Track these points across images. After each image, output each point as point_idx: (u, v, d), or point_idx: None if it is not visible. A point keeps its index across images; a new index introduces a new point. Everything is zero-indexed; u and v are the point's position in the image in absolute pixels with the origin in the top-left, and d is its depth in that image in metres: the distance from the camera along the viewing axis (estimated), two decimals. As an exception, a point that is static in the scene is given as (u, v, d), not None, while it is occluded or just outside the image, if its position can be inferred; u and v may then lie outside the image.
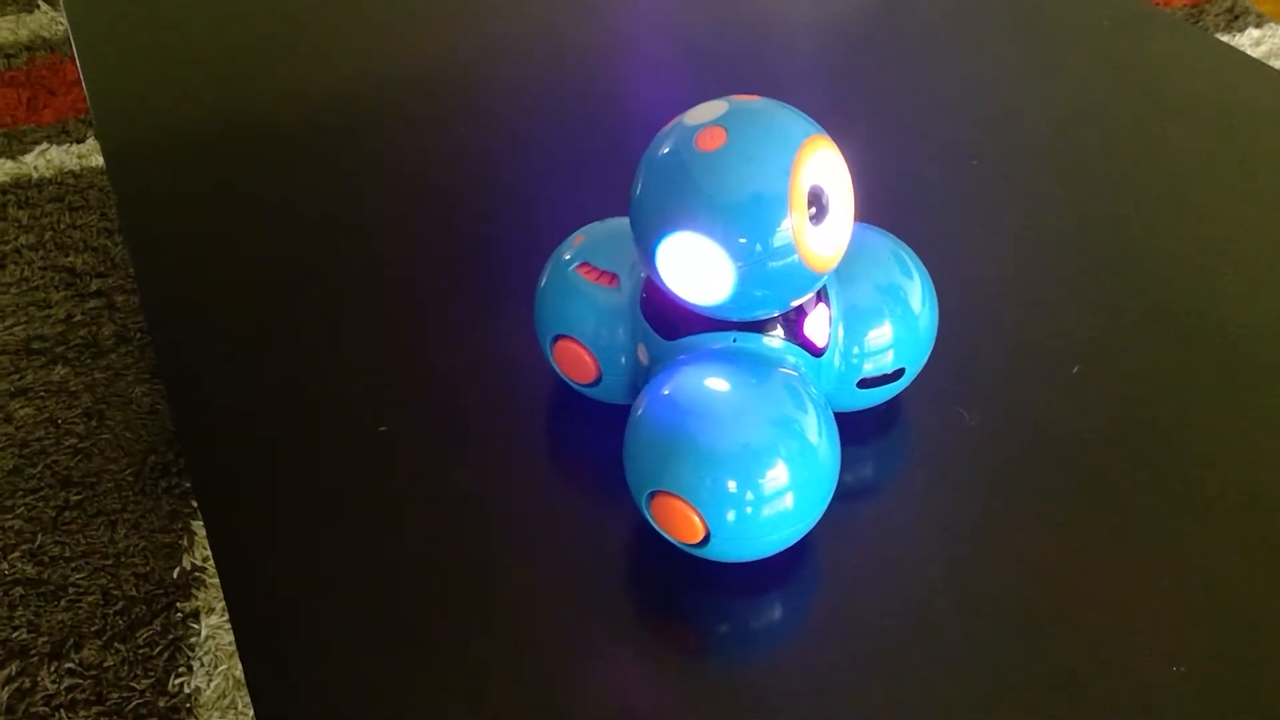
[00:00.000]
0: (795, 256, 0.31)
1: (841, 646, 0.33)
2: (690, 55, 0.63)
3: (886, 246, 0.38)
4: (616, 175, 0.48)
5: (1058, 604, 0.35)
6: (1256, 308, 0.45)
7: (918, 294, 0.37)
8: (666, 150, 0.31)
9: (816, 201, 0.31)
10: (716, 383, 0.32)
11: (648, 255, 0.32)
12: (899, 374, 0.38)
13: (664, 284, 0.32)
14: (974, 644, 0.34)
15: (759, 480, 0.31)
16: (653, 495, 0.32)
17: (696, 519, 0.31)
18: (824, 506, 0.33)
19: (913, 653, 0.33)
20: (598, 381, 0.37)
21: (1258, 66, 0.60)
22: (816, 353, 0.35)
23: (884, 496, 0.38)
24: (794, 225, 0.30)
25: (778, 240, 0.30)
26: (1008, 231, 0.50)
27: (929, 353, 0.39)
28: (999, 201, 0.51)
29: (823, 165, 0.31)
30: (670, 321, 0.34)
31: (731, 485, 0.31)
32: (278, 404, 0.42)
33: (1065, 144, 0.55)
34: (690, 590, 0.35)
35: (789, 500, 0.31)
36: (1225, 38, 1.28)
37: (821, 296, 0.35)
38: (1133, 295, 0.46)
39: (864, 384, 0.37)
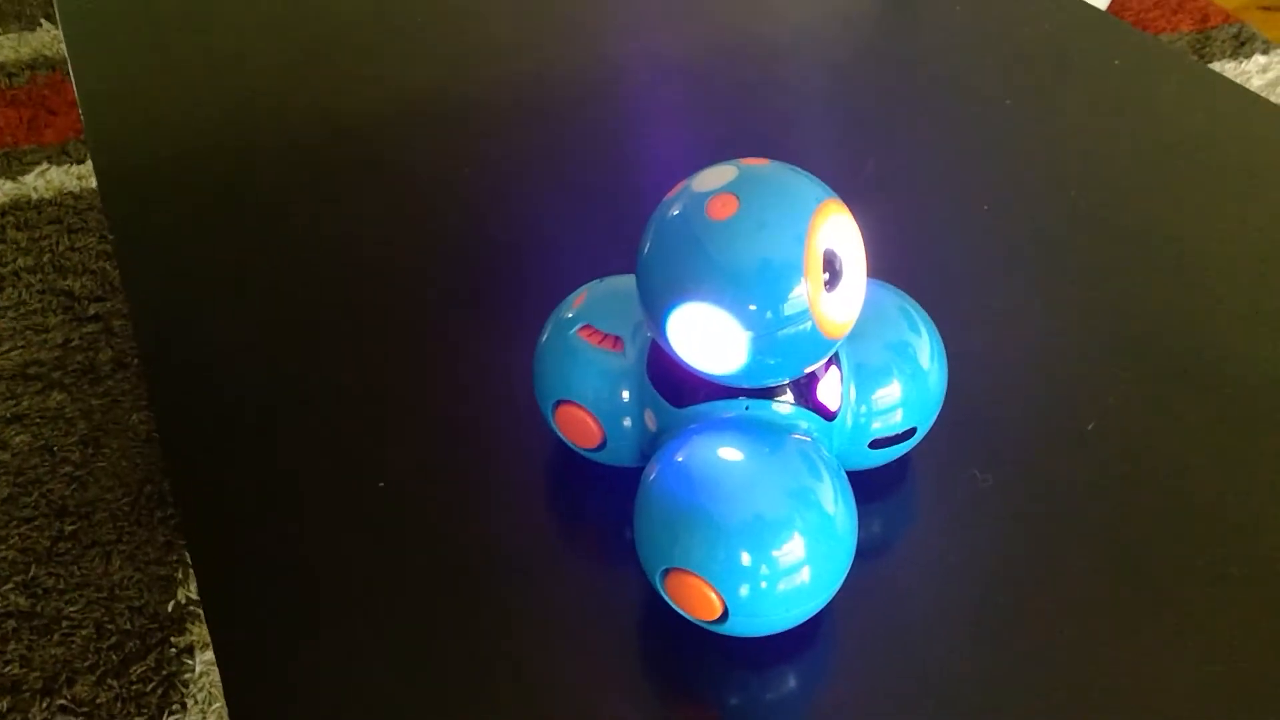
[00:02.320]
0: (809, 324, 0.30)
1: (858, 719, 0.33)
2: (695, 104, 0.62)
3: (894, 302, 0.37)
4: (620, 230, 0.48)
5: (1079, 675, 0.34)
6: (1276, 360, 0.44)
7: (926, 351, 0.37)
8: (676, 217, 0.30)
9: (830, 267, 0.30)
10: (729, 453, 0.32)
11: (658, 324, 0.31)
12: (910, 433, 0.37)
13: (675, 353, 0.31)
14: (995, 718, 0.33)
15: (775, 554, 0.30)
16: (667, 572, 0.31)
17: (714, 596, 0.30)
18: (843, 577, 0.32)
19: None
20: (602, 446, 0.36)
21: (1273, 109, 0.59)
22: (829, 417, 0.34)
23: (898, 560, 0.37)
24: (808, 292, 0.30)
25: (791, 308, 0.30)
26: (1020, 284, 0.49)
27: (938, 410, 0.38)
28: (1009, 250, 0.51)
29: (836, 230, 0.30)
30: (679, 389, 0.33)
31: (746, 559, 0.30)
32: (273, 449, 0.41)
33: (1078, 191, 0.54)
34: (702, 661, 0.34)
35: (807, 574, 0.31)
36: (1232, 64, 1.27)
37: (833, 359, 0.34)
38: (1147, 347, 0.45)
39: (875, 444, 0.36)
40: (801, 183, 0.31)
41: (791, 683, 0.34)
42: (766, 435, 0.32)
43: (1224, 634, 0.35)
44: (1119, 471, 0.40)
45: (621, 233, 0.48)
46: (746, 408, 0.33)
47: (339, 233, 0.52)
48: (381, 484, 0.40)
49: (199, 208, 0.54)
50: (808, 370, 0.32)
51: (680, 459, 0.32)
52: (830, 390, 0.34)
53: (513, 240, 0.52)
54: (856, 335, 0.35)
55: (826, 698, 0.34)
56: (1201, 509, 0.39)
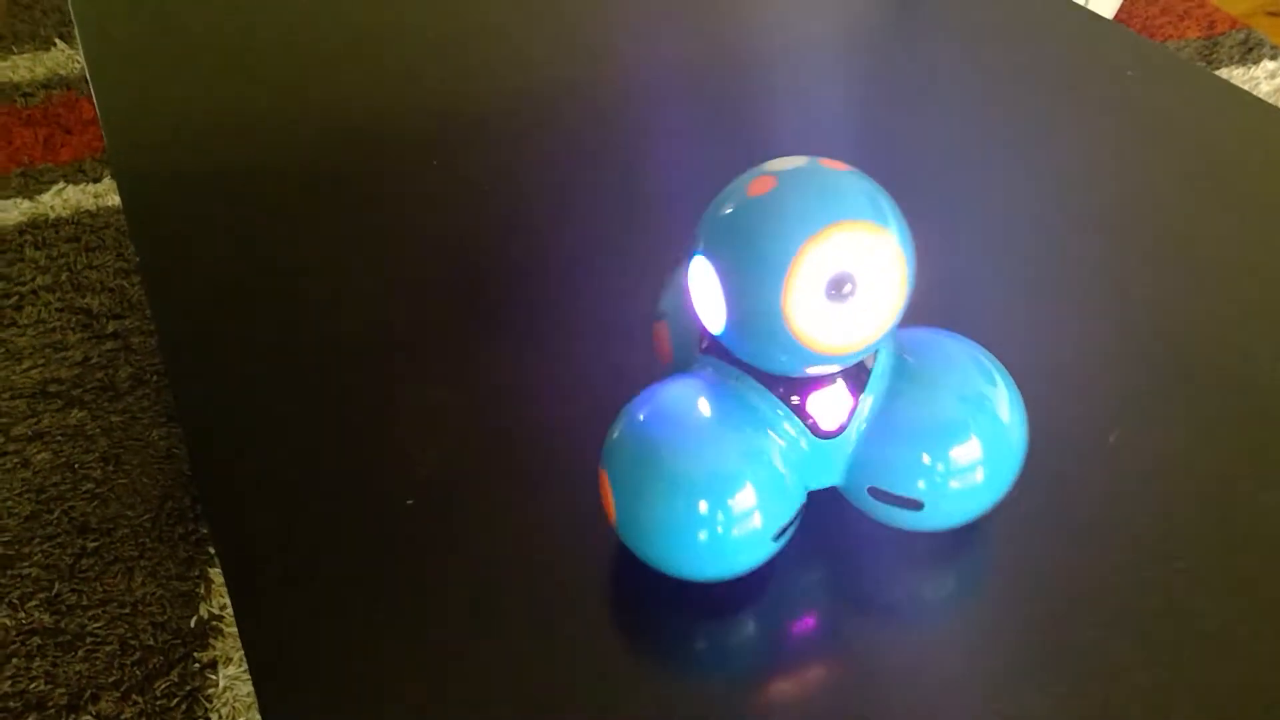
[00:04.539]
0: (782, 326, 0.31)
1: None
2: (744, 104, 0.63)
3: (970, 355, 0.36)
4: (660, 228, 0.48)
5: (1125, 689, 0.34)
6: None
7: (1007, 411, 0.35)
8: (732, 185, 0.33)
9: (837, 286, 0.31)
10: (689, 398, 0.35)
11: (685, 266, 0.34)
12: (914, 504, 0.35)
13: (689, 296, 0.35)
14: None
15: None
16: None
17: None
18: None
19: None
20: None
21: (1283, 117, 0.60)
22: (819, 433, 0.35)
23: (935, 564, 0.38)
24: (786, 296, 0.31)
25: (762, 300, 0.31)
26: (1046, 295, 0.49)
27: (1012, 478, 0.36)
28: (1023, 260, 0.51)
29: (856, 252, 0.31)
30: (701, 338, 0.37)
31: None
32: (302, 466, 0.42)
33: (1105, 207, 0.55)
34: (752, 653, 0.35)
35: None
36: (1240, 70, 1.28)
37: (851, 382, 0.35)
38: (1169, 353, 0.45)
39: (873, 493, 0.36)
40: (846, 190, 0.32)
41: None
42: (729, 402, 0.35)
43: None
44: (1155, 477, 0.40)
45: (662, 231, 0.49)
46: (736, 379, 0.35)
47: (370, 238, 0.53)
48: (410, 501, 0.40)
49: (222, 217, 0.55)
50: (803, 372, 0.33)
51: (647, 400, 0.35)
52: (827, 407, 0.34)
53: (550, 248, 0.52)
54: (931, 386, 0.35)
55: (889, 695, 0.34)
56: (1246, 523, 0.39)
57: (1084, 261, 0.51)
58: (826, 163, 0.32)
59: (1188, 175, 0.56)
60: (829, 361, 0.33)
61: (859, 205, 0.31)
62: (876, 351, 0.35)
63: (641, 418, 0.35)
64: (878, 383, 0.35)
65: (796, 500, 0.35)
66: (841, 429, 0.35)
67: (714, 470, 0.33)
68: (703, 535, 0.33)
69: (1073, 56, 0.66)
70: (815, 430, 0.35)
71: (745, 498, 0.33)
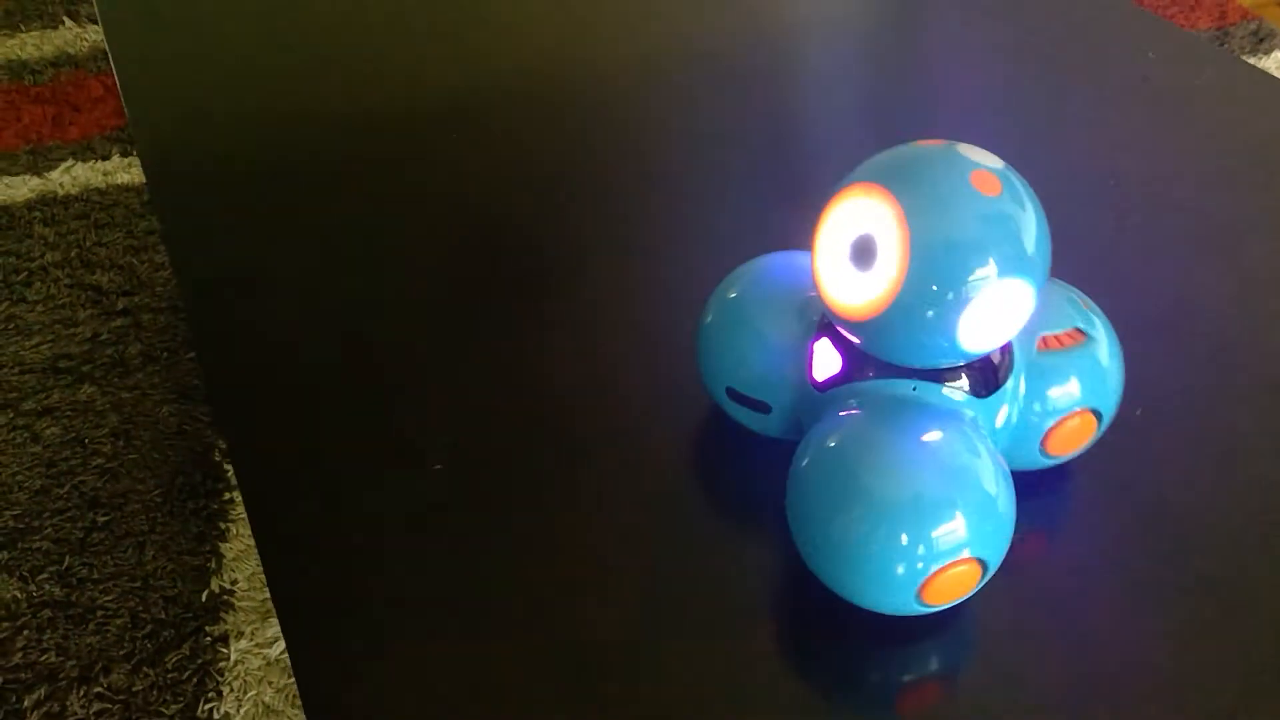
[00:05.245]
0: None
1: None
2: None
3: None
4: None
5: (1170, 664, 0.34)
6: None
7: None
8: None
9: (858, 251, 0.32)
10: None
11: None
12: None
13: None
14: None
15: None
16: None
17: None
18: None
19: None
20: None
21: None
22: (813, 383, 0.37)
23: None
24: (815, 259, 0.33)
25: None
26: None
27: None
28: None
29: (876, 216, 0.32)
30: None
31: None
32: (334, 430, 0.42)
33: (1157, 198, 0.54)
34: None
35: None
36: (1251, 60, 1.27)
37: (829, 334, 0.36)
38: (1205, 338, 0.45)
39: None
40: (889, 161, 0.33)
41: (933, 663, 0.35)
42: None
43: None
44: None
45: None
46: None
47: (391, 205, 0.53)
48: (438, 466, 0.40)
49: (248, 191, 0.55)
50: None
51: None
52: (818, 358, 0.37)
53: (564, 210, 0.52)
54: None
55: (961, 679, 0.34)
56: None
57: (1105, 238, 0.51)
58: (925, 143, 0.34)
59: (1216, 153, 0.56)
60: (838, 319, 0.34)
61: (889, 167, 0.33)
62: None
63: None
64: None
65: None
66: (828, 379, 0.36)
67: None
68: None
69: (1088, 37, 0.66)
70: (811, 381, 0.37)
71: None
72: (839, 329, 0.35)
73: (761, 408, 0.38)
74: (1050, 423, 0.37)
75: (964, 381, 0.35)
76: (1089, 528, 0.38)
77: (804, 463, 0.34)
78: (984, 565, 0.33)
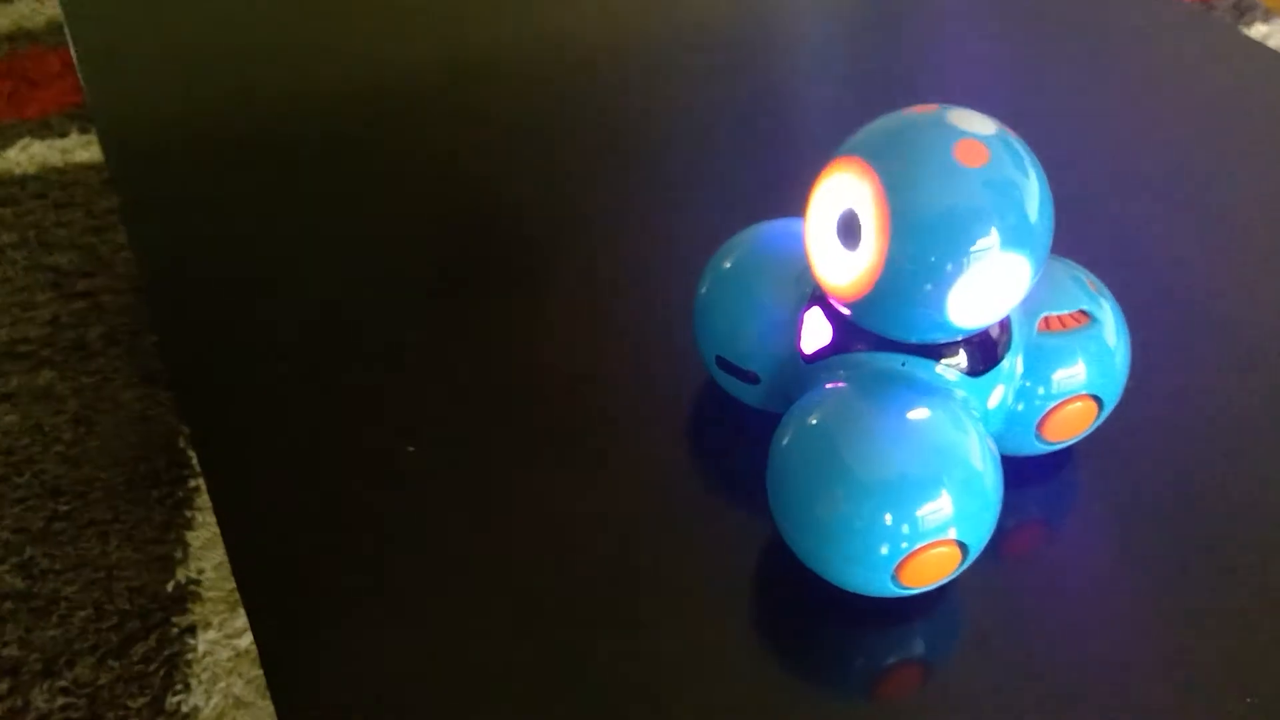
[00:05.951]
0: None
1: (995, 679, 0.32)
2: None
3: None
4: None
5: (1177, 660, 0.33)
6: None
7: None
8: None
9: (845, 226, 0.31)
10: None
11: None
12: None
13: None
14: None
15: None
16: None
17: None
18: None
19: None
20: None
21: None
22: (801, 354, 0.35)
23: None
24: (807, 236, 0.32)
25: None
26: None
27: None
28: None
29: (860, 193, 0.30)
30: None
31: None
32: (301, 416, 0.40)
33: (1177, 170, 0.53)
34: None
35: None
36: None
37: (820, 304, 0.35)
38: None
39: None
40: (872, 129, 0.31)
41: (918, 645, 0.33)
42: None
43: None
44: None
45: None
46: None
47: (357, 182, 0.51)
48: (411, 448, 0.38)
49: (210, 170, 0.52)
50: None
51: None
52: (806, 329, 0.35)
53: (524, 184, 0.50)
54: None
55: (952, 657, 0.33)
56: None
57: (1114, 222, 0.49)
58: (920, 108, 0.32)
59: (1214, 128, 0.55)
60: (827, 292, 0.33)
61: (873, 139, 0.32)
62: None
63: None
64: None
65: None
66: (815, 354, 0.35)
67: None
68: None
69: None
70: (801, 354, 0.35)
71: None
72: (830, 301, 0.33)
73: (750, 378, 0.36)
74: (1047, 407, 0.35)
75: (961, 358, 0.33)
76: (1081, 517, 0.37)
77: (784, 441, 0.33)
78: (965, 548, 0.31)
